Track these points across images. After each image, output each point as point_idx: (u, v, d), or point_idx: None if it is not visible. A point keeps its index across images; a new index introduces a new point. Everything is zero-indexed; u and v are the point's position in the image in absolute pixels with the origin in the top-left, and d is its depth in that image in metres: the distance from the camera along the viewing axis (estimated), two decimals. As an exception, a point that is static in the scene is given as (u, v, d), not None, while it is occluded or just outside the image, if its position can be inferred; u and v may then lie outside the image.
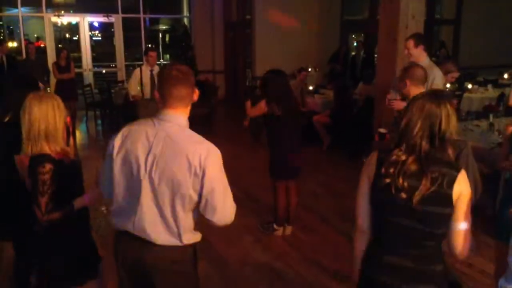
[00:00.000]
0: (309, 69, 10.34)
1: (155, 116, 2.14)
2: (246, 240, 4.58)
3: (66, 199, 2.37)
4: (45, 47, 11.74)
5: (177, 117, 2.12)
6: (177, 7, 14.18)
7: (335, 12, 11.29)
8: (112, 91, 9.82)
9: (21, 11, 11.20)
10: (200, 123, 9.14)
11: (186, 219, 2.10)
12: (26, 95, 2.42)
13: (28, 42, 9.37)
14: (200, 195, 2.06)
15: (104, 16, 12.10)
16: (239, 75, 12.38)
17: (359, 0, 12.26)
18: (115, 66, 12.63)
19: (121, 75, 12.23)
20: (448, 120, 1.81)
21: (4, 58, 8.36)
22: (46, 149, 2.34)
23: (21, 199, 2.52)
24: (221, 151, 2.13)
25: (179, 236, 2.11)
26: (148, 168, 2.05)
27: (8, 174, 2.61)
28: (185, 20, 13.54)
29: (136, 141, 2.09)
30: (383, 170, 1.85)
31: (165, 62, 14.18)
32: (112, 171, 2.13)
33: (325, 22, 11.08)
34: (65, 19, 12.20)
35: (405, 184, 1.79)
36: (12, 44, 13.35)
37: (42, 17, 11.56)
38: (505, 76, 9.83)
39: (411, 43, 4.79)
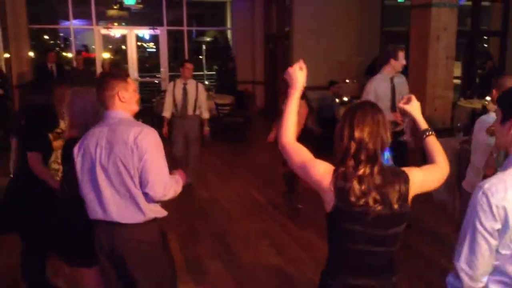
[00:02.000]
0: (346, 81, 10.37)
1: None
2: (262, 243, 4.70)
3: None
4: (94, 58, 12.40)
5: (116, 112, 2.45)
6: (221, 20, 14.58)
7: (374, 23, 11.26)
8: (154, 100, 10.23)
9: (72, 24, 11.89)
10: (235, 131, 9.42)
11: (141, 194, 2.37)
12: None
13: (77, 53, 9.95)
14: (137, 168, 2.34)
15: (150, 28, 12.64)
16: (278, 86, 12.54)
17: (399, 12, 12.16)
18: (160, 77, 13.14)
19: (165, 85, 12.69)
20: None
21: (54, 67, 8.94)
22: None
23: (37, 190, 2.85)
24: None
25: (140, 210, 2.38)
26: (97, 157, 2.37)
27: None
28: (228, 33, 13.90)
29: (89, 141, 2.43)
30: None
31: (208, 73, 14.59)
32: (76, 172, 2.46)
33: (364, 33, 11.07)
34: (114, 32, 12.83)
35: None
36: (66, 55, 14.21)
37: (92, 29, 12.23)
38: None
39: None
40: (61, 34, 15.01)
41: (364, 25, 11.05)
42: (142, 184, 2.35)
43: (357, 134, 1.81)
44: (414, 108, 2.14)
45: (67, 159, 2.65)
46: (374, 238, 1.83)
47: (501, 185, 1.60)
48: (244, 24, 12.64)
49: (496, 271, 1.65)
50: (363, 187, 1.78)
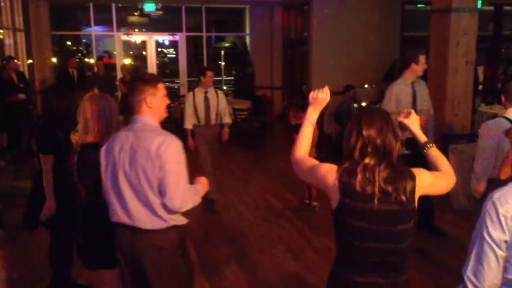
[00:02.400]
0: (365, 86, 10.32)
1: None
2: (279, 249, 4.69)
3: None
4: (115, 64, 12.59)
5: (143, 118, 2.44)
6: (240, 26, 14.67)
7: (394, 28, 11.19)
8: (172, 105, 10.31)
9: (93, 30, 12.10)
10: (252, 136, 9.43)
11: (160, 203, 2.37)
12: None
13: (98, 58, 10.12)
14: (158, 177, 2.34)
15: (169, 34, 12.78)
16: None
17: (420, 17, 12.06)
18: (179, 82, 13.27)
19: (184, 90, 12.81)
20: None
21: (75, 73, 9.11)
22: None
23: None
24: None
25: (159, 217, 2.39)
26: (121, 162, 2.39)
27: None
28: (247, 38, 13.97)
29: (114, 144, 2.45)
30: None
31: (226, 78, 14.68)
32: (100, 173, 2.49)
33: (384, 38, 10.99)
34: (134, 38, 13.01)
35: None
36: (88, 60, 14.46)
37: (113, 36, 12.43)
38: None
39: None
40: (83, 41, 15.30)
41: (384, 30, 10.98)
42: (161, 194, 2.36)
43: (365, 132, 1.86)
44: (412, 122, 2.14)
45: (83, 164, 2.71)
46: (380, 234, 1.83)
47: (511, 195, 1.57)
48: (262, 29, 12.68)
49: (508, 284, 1.59)
50: (367, 175, 1.82)
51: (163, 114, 2.52)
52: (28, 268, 4.11)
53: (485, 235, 1.58)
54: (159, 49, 15.90)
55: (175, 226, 2.46)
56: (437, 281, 3.92)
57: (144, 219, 2.40)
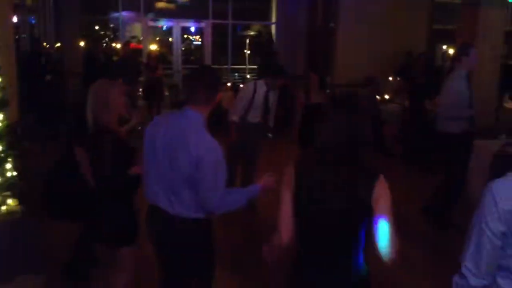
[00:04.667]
0: (390, 78, 10.21)
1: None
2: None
3: None
4: (142, 49, 12.75)
5: (193, 112, 2.44)
6: (265, 14, 14.64)
7: (423, 20, 11.01)
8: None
9: (121, 15, 12.27)
10: (275, 125, 9.42)
11: (189, 194, 2.40)
12: None
13: (124, 43, 10.26)
14: (196, 177, 2.35)
15: (195, 21, 12.85)
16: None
17: (449, 9, 11.83)
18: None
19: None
20: (366, 127, 1.94)
21: (102, 57, 9.27)
22: None
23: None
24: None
25: (188, 209, 2.42)
26: (161, 147, 2.42)
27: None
28: (272, 27, 13.93)
29: (159, 127, 2.48)
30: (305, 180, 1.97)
31: (250, 67, 14.70)
32: (143, 153, 2.53)
33: (411, 30, 10.83)
34: (161, 23, 13.13)
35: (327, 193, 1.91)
36: (116, 45, 14.66)
37: (140, 21, 12.57)
38: None
39: None
40: (111, 25, 15.50)
41: (412, 21, 10.81)
42: (197, 191, 2.38)
43: (324, 131, 1.94)
44: None
45: (94, 149, 2.77)
46: (329, 225, 1.93)
47: (510, 187, 1.60)
48: (288, 18, 12.63)
49: (503, 269, 1.67)
50: (322, 169, 1.92)
51: (207, 111, 2.50)
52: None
53: (483, 226, 1.64)
54: (185, 36, 15.99)
55: (206, 219, 2.50)
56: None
57: (174, 206, 2.44)
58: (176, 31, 13.04)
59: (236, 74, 13.88)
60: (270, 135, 5.86)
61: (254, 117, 5.44)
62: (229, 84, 10.88)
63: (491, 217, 1.61)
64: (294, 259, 2.09)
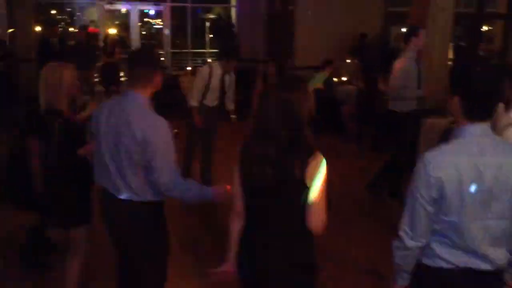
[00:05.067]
0: (347, 60, 10.38)
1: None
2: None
3: None
4: (98, 33, 12.45)
5: (134, 94, 2.44)
6: (225, -3, 14.53)
7: (380, 3, 11.20)
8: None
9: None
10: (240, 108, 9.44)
11: (137, 177, 2.43)
12: None
13: (80, 28, 10.02)
14: (144, 160, 2.37)
15: (153, 4, 12.64)
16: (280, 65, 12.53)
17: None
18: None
19: (166, 61, 12.77)
20: (302, 105, 1.96)
21: (56, 42, 9.04)
22: None
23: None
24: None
25: (134, 192, 2.45)
26: (105, 132, 2.44)
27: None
28: (233, 10, 13.86)
29: (103, 111, 2.50)
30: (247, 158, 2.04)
31: (210, 50, 14.61)
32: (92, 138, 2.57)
33: (367, 13, 11.00)
34: (118, 7, 12.85)
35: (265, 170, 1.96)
36: (73, 30, 14.25)
37: (95, 4, 12.28)
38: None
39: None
40: (68, 9, 15.05)
41: (368, 4, 10.97)
42: (148, 173, 2.39)
43: (260, 112, 2.00)
44: None
45: (45, 133, 2.79)
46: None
47: (441, 157, 1.73)
48: (248, 1, 12.59)
49: (438, 233, 1.81)
50: (257, 145, 1.98)
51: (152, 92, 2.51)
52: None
53: (416, 193, 1.78)
54: (145, 20, 15.72)
55: (156, 202, 2.53)
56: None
57: (120, 189, 2.46)
58: (134, 15, 12.81)
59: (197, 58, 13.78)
60: (233, 116, 5.88)
61: (212, 100, 5.49)
62: (189, 68, 10.80)
63: (423, 184, 1.75)
64: (240, 233, 2.15)
